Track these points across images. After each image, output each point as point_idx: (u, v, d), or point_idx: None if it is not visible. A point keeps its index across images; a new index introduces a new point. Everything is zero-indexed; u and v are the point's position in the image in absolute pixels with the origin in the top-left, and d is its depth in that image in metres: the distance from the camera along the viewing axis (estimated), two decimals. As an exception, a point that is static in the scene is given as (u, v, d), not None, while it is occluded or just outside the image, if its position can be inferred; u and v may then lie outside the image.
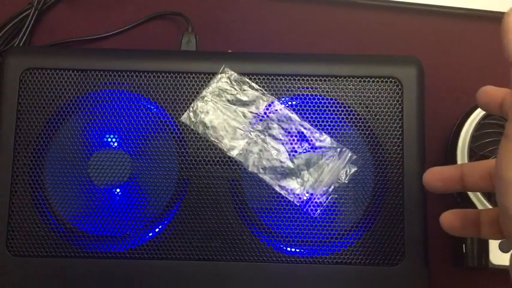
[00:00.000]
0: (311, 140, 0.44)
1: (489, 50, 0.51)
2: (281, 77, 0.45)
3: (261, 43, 0.51)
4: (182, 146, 0.45)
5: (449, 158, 0.46)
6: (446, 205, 0.47)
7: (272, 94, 0.45)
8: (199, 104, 0.44)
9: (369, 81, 0.45)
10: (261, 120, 0.44)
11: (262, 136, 0.44)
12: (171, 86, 0.45)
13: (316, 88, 0.45)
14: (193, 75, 0.45)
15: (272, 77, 0.45)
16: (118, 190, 0.44)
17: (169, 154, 0.45)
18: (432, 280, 0.44)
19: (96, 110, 0.45)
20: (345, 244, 0.44)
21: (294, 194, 0.44)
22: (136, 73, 0.45)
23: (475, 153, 0.45)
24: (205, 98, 0.44)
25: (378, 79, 0.45)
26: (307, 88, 0.45)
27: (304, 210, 0.44)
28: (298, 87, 0.45)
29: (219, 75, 0.44)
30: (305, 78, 0.45)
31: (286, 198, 0.44)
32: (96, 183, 0.44)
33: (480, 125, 0.45)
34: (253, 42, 0.51)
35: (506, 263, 0.43)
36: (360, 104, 0.45)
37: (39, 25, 0.52)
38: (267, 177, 0.43)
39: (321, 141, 0.44)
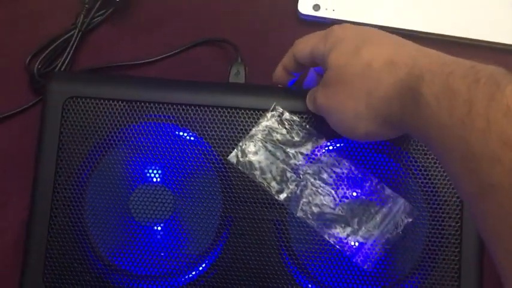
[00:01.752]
0: (363, 186, 0.42)
1: None
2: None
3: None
4: (227, 185, 0.43)
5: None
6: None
7: (323, 135, 0.42)
8: (247, 143, 0.42)
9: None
10: (311, 162, 0.42)
11: (312, 180, 0.42)
12: (218, 121, 0.43)
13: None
14: (242, 110, 0.43)
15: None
16: (160, 228, 0.43)
17: (213, 192, 0.43)
18: None
19: (140, 143, 0.43)
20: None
21: (343, 242, 0.41)
22: (183, 106, 0.43)
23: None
24: (254, 137, 0.42)
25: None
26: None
27: (353, 260, 0.41)
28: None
29: (269, 114, 0.42)
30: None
31: (335, 246, 0.42)
32: (137, 220, 0.43)
33: None
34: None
35: None
36: (417, 149, 0.43)
37: (83, 46, 0.50)
38: (315, 224, 0.41)
39: (374, 188, 0.41)
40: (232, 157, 0.42)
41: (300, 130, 0.42)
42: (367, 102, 0.35)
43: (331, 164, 0.42)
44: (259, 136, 0.42)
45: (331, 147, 0.42)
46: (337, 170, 0.42)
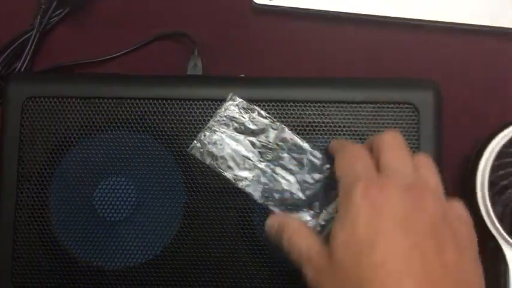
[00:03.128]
0: (322, 170, 0.42)
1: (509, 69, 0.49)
2: (291, 103, 0.44)
3: (269, 67, 0.50)
4: (189, 176, 0.43)
5: (468, 188, 0.44)
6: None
7: (282, 121, 0.43)
8: (206, 134, 0.43)
9: (382, 107, 0.43)
10: (270, 149, 0.43)
11: (272, 166, 0.42)
12: (177, 113, 0.44)
13: (327, 115, 0.44)
14: (200, 101, 0.44)
15: (282, 103, 0.44)
16: (124, 221, 0.43)
17: (176, 184, 0.43)
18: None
19: (102, 139, 0.44)
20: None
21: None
22: (142, 100, 0.44)
23: (495, 184, 0.43)
24: (213, 128, 0.43)
25: (392, 105, 0.43)
26: (318, 115, 0.44)
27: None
28: (309, 114, 0.44)
29: (227, 103, 0.43)
30: (316, 105, 0.44)
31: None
32: (101, 215, 0.43)
33: (502, 154, 0.43)
34: (261, 65, 0.49)
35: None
36: (374, 131, 0.43)
37: (42, 47, 0.50)
38: (277, 209, 0.42)
39: (331, 171, 0.42)
40: (191, 148, 0.43)
41: (258, 118, 0.43)
42: None
43: (291, 149, 0.43)
44: (218, 126, 0.43)
45: (289, 134, 0.43)
46: (296, 156, 0.42)
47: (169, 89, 0.44)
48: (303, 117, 0.44)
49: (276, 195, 0.42)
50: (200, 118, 0.43)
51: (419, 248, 0.31)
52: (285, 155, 0.43)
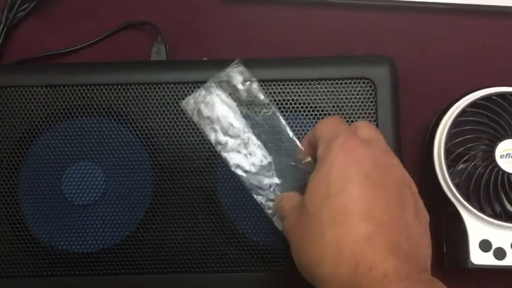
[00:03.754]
0: (297, 161, 0.43)
1: (465, 45, 0.51)
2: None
3: (232, 49, 0.51)
4: (156, 159, 0.44)
5: (427, 156, 0.45)
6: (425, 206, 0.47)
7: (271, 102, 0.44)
8: (202, 93, 0.43)
9: (341, 83, 0.45)
10: (257, 124, 0.43)
11: (254, 140, 0.43)
12: (142, 97, 0.45)
13: (289, 93, 0.45)
14: (164, 85, 0.45)
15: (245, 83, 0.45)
16: (92, 205, 0.44)
17: (143, 167, 0.44)
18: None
19: (68, 126, 0.45)
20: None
21: (268, 205, 0.43)
22: (106, 86, 0.45)
23: (452, 152, 0.44)
24: (210, 88, 0.43)
25: (350, 80, 0.45)
26: (280, 93, 0.45)
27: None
28: (271, 93, 0.45)
29: (229, 68, 0.43)
30: (278, 84, 0.45)
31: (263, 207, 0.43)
32: (69, 199, 0.44)
33: (456, 122, 0.44)
34: (224, 48, 0.51)
35: (487, 262, 0.42)
36: (334, 106, 0.45)
37: (9, 42, 0.51)
38: (246, 182, 0.42)
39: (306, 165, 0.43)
40: (184, 103, 0.43)
41: (255, 91, 0.43)
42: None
43: (275, 131, 0.43)
44: (215, 87, 0.43)
45: (277, 114, 0.44)
46: (278, 138, 0.43)
47: (133, 74, 0.45)
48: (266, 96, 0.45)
49: (250, 169, 0.43)
50: (165, 101, 0.45)
51: (382, 200, 0.33)
52: (268, 134, 0.43)
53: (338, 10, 0.52)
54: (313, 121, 0.44)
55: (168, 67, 0.46)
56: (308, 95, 0.45)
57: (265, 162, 0.43)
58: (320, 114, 0.44)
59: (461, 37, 0.51)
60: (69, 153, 0.44)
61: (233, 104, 0.43)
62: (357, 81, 0.45)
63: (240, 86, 0.44)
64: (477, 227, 0.42)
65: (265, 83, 0.45)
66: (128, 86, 0.45)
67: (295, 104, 0.45)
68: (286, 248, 0.42)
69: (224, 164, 0.43)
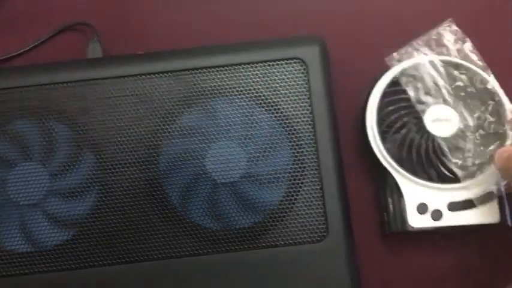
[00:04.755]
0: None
1: (390, 19, 0.52)
2: (189, 71, 0.46)
3: (169, 41, 0.52)
4: (99, 154, 0.45)
5: (361, 128, 0.46)
6: (365, 178, 0.48)
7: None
8: (408, 50, 0.44)
9: (274, 65, 0.46)
10: (464, 89, 0.44)
11: (453, 104, 0.45)
12: (80, 95, 0.45)
13: (224, 78, 0.46)
14: (100, 81, 0.46)
15: (180, 72, 0.46)
16: (36, 205, 0.44)
17: (86, 164, 0.45)
18: (357, 251, 0.45)
19: (12, 128, 0.45)
20: (268, 227, 0.44)
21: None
22: (45, 86, 0.45)
23: (384, 121, 0.45)
24: (416, 46, 0.44)
25: (282, 61, 0.46)
26: (215, 79, 0.46)
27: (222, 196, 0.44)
28: (206, 80, 0.46)
29: (441, 27, 0.44)
30: (213, 70, 0.46)
31: (207, 189, 0.44)
32: (14, 199, 0.44)
33: (385, 93, 0.45)
34: (159, 41, 0.52)
35: (425, 224, 0.44)
36: (269, 88, 0.46)
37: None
38: (442, 143, 0.44)
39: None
40: (389, 59, 0.45)
41: (467, 53, 0.44)
42: None
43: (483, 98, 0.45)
44: (423, 45, 0.44)
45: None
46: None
47: (69, 73, 0.46)
48: (201, 84, 0.46)
49: (447, 131, 0.44)
50: (103, 96, 0.45)
51: None
52: (474, 99, 0.45)
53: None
54: (249, 104, 0.45)
55: (103, 63, 0.47)
56: (242, 79, 0.46)
57: (462, 126, 0.44)
58: (255, 97, 0.46)
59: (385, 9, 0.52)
60: (13, 154, 0.45)
61: (440, 64, 0.44)
62: (288, 62, 0.46)
63: (450, 46, 0.44)
64: (413, 191, 0.44)
65: (201, 70, 0.46)
66: (65, 85, 0.46)
67: (230, 88, 0.46)
68: (232, 230, 0.44)
69: (168, 153, 0.44)
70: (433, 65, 0.45)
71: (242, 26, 0.52)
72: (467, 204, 0.44)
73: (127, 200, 0.44)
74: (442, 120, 0.45)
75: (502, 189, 0.44)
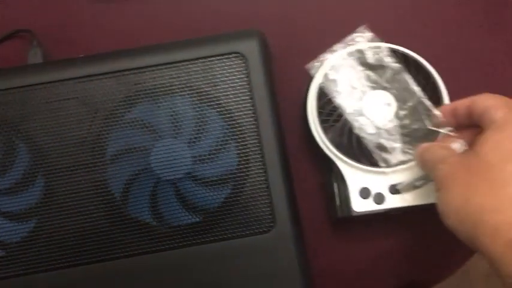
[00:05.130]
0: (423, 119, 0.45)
1: (329, 12, 0.53)
2: (130, 71, 0.46)
3: (111, 43, 0.52)
4: (41, 157, 0.45)
5: (304, 119, 0.47)
6: (313, 167, 0.49)
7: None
8: (328, 56, 0.45)
9: (214, 61, 0.46)
10: (382, 87, 0.45)
11: (378, 103, 0.45)
12: (22, 101, 0.45)
13: (165, 76, 0.46)
14: (41, 86, 0.46)
15: (122, 73, 0.46)
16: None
17: (32, 169, 0.45)
18: (307, 239, 0.45)
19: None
20: (214, 222, 0.44)
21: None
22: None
23: (324, 111, 0.46)
24: (336, 53, 0.45)
25: (222, 57, 0.46)
26: (157, 77, 0.46)
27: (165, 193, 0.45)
28: (148, 79, 0.46)
29: (356, 34, 0.45)
30: (154, 69, 0.46)
31: (155, 188, 0.44)
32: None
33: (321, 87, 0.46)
34: (101, 43, 0.52)
35: (368, 208, 0.44)
36: (210, 84, 0.46)
37: None
38: (369, 144, 0.45)
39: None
40: (311, 67, 0.46)
41: (381, 56, 0.45)
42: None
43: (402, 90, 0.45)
44: (341, 52, 0.45)
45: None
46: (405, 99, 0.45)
47: (10, 80, 0.46)
48: (143, 83, 0.46)
49: (373, 131, 0.45)
50: (44, 101, 0.45)
51: None
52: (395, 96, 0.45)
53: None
54: (191, 101, 0.46)
55: (43, 68, 0.47)
56: (183, 77, 0.46)
57: (389, 125, 0.45)
58: (197, 94, 0.46)
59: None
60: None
61: (359, 68, 0.45)
62: (228, 57, 0.46)
63: (367, 51, 0.45)
64: (355, 177, 0.45)
65: (142, 69, 0.46)
66: (6, 92, 0.46)
67: (171, 86, 0.46)
68: (178, 226, 0.44)
69: (112, 153, 0.44)
70: (351, 64, 0.46)
71: (181, 25, 0.53)
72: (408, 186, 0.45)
73: (73, 202, 0.44)
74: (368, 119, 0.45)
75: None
